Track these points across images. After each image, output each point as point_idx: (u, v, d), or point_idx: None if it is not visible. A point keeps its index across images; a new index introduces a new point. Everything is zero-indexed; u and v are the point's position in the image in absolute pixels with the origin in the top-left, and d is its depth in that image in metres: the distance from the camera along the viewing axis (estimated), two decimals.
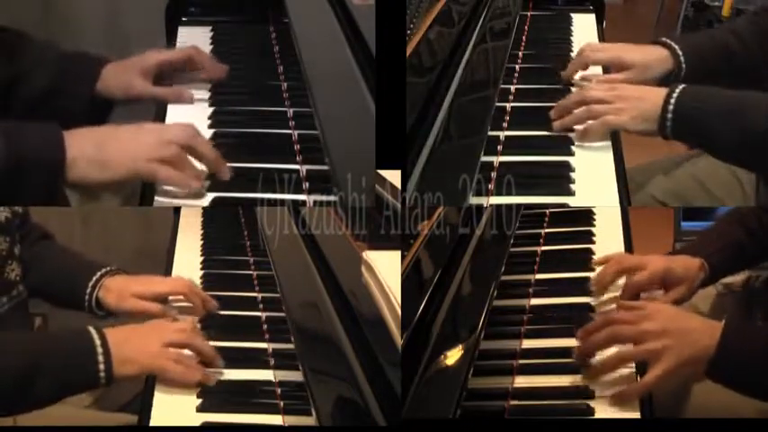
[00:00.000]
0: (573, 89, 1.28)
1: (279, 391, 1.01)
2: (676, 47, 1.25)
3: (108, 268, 1.21)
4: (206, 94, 1.25)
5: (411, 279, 0.90)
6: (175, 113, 1.21)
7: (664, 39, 1.28)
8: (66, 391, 0.99)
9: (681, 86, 1.09)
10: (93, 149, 0.97)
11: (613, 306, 1.13)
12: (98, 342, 0.97)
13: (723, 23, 1.35)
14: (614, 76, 1.24)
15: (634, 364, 0.97)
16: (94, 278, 1.19)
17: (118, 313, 1.20)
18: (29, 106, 1.21)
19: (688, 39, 1.31)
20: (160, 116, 1.20)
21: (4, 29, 1.24)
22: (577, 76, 1.30)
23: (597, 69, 1.33)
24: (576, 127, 1.15)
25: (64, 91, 1.20)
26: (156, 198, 1.03)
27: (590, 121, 1.13)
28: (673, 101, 1.07)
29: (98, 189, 0.99)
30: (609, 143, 1.16)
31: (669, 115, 1.07)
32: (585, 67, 1.29)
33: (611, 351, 0.98)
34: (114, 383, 0.99)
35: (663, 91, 1.09)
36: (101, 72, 1.20)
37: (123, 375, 0.98)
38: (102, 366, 0.96)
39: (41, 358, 0.95)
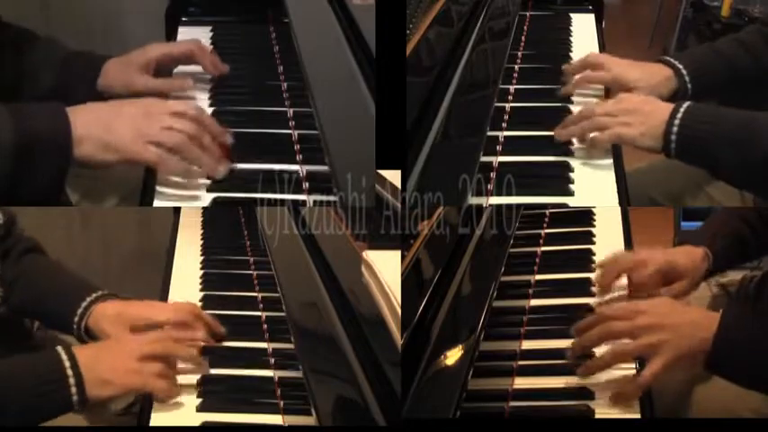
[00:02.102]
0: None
1: (279, 390, 1.01)
2: (680, 66, 1.23)
3: (100, 293, 1.10)
4: (206, 94, 1.25)
5: (411, 279, 0.90)
6: None
7: (666, 57, 1.25)
8: (37, 417, 0.93)
9: (686, 104, 1.07)
10: (99, 128, 0.98)
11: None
12: (68, 365, 0.92)
13: (728, 35, 1.33)
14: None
15: (636, 363, 0.97)
16: (84, 304, 1.08)
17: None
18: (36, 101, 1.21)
19: (691, 55, 1.28)
20: None
21: (9, 25, 1.24)
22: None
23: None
24: (581, 141, 1.14)
25: (67, 89, 1.20)
26: (156, 189, 1.04)
27: (596, 134, 1.11)
28: (677, 121, 1.05)
29: (105, 168, 1.00)
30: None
31: (673, 136, 1.05)
32: (586, 85, 1.27)
33: (607, 348, 0.98)
34: (90, 406, 0.94)
35: (670, 107, 1.07)
36: (101, 68, 1.20)
37: (99, 397, 0.94)
38: (74, 390, 0.92)
39: (10, 386, 0.91)
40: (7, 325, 1.17)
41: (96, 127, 0.98)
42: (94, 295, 1.09)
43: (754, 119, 1.04)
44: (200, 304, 1.23)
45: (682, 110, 1.06)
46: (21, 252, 1.19)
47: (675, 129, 1.05)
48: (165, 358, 0.99)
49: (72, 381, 0.92)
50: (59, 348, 0.94)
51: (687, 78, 1.22)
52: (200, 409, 0.98)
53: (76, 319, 1.07)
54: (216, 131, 1.08)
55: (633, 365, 0.98)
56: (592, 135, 1.12)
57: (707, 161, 1.07)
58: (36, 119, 0.97)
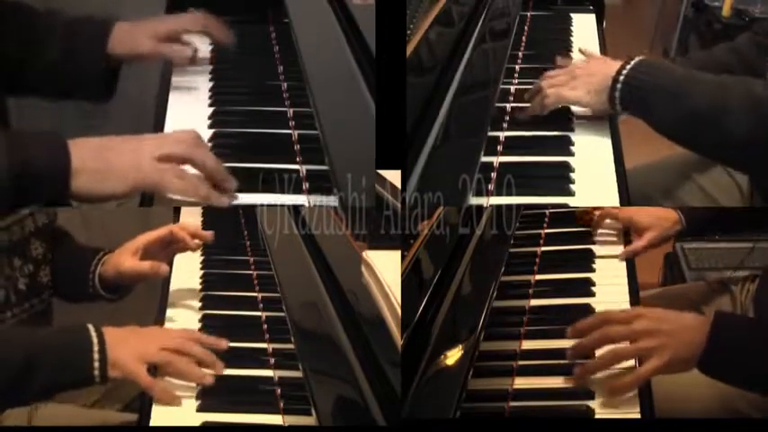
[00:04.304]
0: None
1: (279, 390, 1.01)
2: None
3: (107, 249, 1.25)
4: (206, 94, 1.25)
5: (411, 279, 0.90)
6: (176, 113, 1.21)
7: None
8: (59, 386, 1.00)
9: (638, 59, 1.13)
10: (95, 161, 0.95)
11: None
12: (95, 340, 0.98)
13: (725, 43, 1.38)
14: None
15: (636, 362, 0.98)
16: (97, 257, 1.23)
17: (118, 281, 1.22)
18: (45, 76, 1.22)
19: (688, 60, 1.35)
20: (160, 116, 1.20)
21: (4, 1, 1.23)
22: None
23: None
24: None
25: (77, 54, 1.20)
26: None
27: (544, 99, 1.18)
28: (626, 71, 1.11)
29: (100, 202, 0.98)
30: (609, 143, 1.16)
31: (619, 85, 1.11)
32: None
33: (605, 349, 0.98)
34: (110, 383, 1.01)
35: (616, 63, 1.13)
36: (111, 30, 1.21)
37: (117, 376, 0.99)
38: (96, 365, 0.97)
39: (39, 354, 0.96)
40: (39, 324, 1.20)
41: (92, 159, 0.95)
42: (102, 252, 1.25)
43: (690, 75, 1.11)
44: (199, 305, 1.23)
45: (632, 63, 1.12)
46: (60, 241, 1.28)
47: (622, 78, 1.11)
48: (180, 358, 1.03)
49: (96, 356, 0.97)
50: (89, 325, 1.00)
51: None
52: (200, 409, 0.98)
53: (92, 268, 1.22)
54: (214, 170, 1.02)
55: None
56: (541, 102, 1.18)
57: (646, 111, 1.12)
58: (34, 149, 0.94)
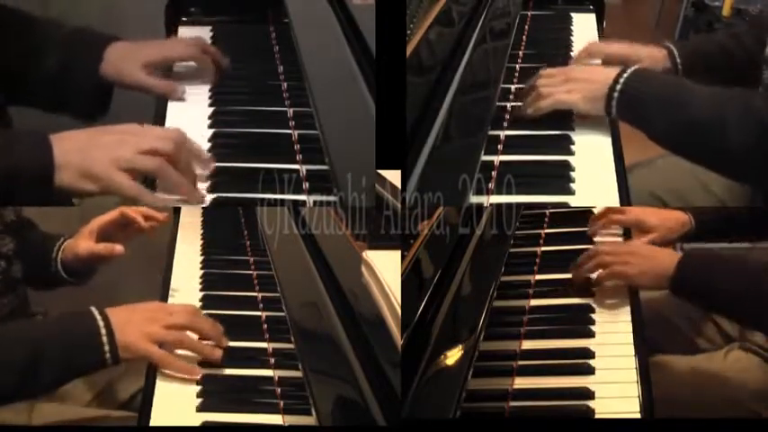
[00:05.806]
0: None
1: (279, 390, 1.01)
2: (674, 48, 1.31)
3: (66, 236, 1.27)
4: (206, 94, 1.25)
5: (411, 279, 0.90)
6: (175, 113, 1.21)
7: (666, 42, 1.34)
8: (73, 373, 1.01)
9: (633, 68, 1.14)
10: (77, 156, 0.94)
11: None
12: (101, 324, 0.98)
13: (726, 27, 1.41)
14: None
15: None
16: (57, 243, 1.27)
17: (77, 264, 1.24)
18: (41, 86, 1.22)
19: (687, 41, 1.38)
20: (160, 116, 1.20)
21: (4, 7, 1.23)
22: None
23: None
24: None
25: (72, 68, 1.20)
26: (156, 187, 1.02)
27: (539, 101, 1.18)
28: (622, 80, 1.12)
29: (86, 196, 0.98)
30: (609, 142, 1.16)
31: (616, 94, 1.12)
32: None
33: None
34: (120, 364, 1.01)
35: (613, 71, 1.14)
36: (106, 50, 1.21)
37: (127, 358, 1.00)
38: (107, 348, 0.98)
39: (45, 344, 0.96)
40: (18, 318, 1.20)
41: (75, 155, 0.94)
42: (62, 239, 1.29)
43: (684, 85, 1.13)
44: (199, 304, 1.23)
45: (628, 71, 1.13)
46: (26, 232, 1.29)
47: (619, 86, 1.12)
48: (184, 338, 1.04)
49: (105, 339, 0.98)
50: (93, 308, 1.00)
51: (678, 60, 1.31)
52: (201, 409, 0.98)
53: (54, 255, 1.26)
54: (200, 155, 1.05)
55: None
56: (536, 103, 1.18)
57: (642, 120, 1.13)
58: (19, 148, 0.94)
